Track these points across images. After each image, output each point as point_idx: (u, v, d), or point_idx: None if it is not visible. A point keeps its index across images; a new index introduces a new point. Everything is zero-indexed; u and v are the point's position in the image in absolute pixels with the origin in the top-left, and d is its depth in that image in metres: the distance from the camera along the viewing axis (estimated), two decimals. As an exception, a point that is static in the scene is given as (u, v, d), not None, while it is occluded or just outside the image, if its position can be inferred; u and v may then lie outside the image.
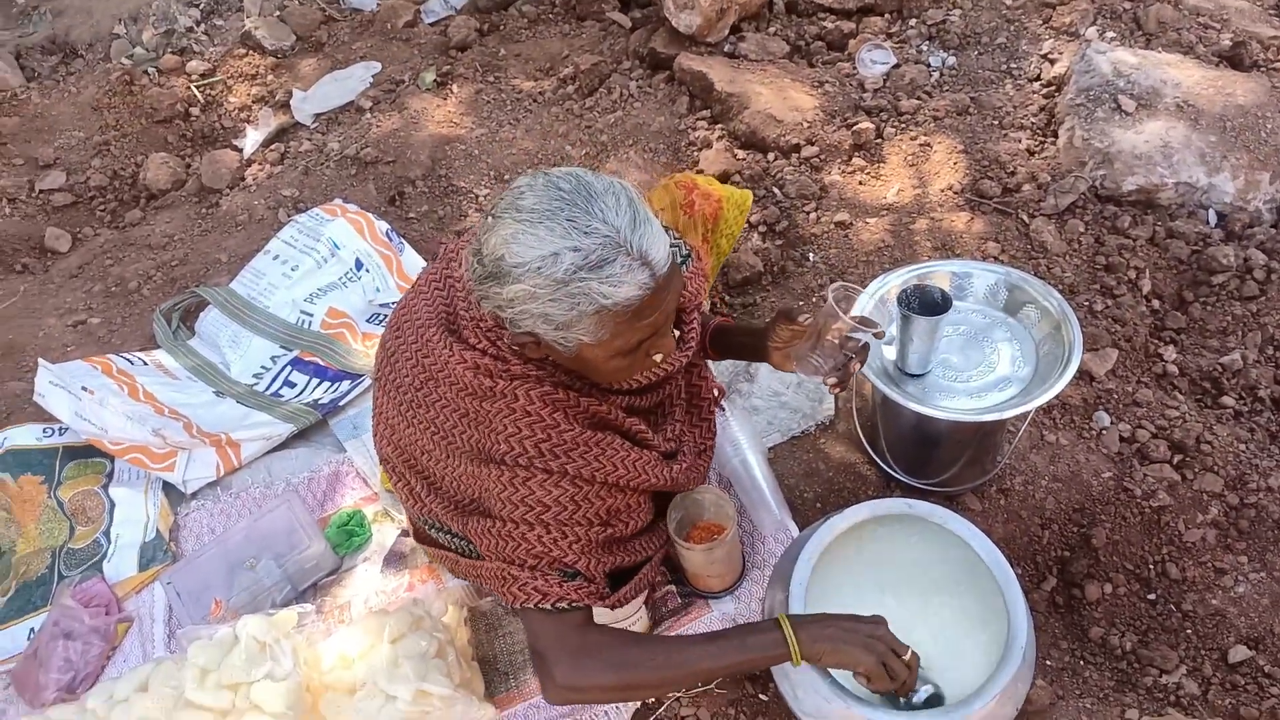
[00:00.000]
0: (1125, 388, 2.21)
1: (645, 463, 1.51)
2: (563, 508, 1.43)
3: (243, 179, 3.14)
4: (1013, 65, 3.03)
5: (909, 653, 1.44)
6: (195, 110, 3.39)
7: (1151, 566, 1.92)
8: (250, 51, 3.59)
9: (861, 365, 1.55)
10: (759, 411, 2.19)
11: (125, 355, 2.42)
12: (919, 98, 2.95)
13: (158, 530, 2.09)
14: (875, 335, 1.51)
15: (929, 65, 3.09)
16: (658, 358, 1.39)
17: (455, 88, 3.32)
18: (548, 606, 1.41)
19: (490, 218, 1.26)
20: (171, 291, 2.72)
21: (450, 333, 1.45)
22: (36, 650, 1.85)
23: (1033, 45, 3.06)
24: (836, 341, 1.52)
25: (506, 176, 2.96)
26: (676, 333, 1.56)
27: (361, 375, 2.37)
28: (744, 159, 2.83)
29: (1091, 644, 1.86)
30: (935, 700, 1.49)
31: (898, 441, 1.99)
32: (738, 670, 1.47)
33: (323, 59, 3.60)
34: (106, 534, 2.10)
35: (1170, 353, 2.29)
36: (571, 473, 1.43)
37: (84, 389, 2.17)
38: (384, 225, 2.69)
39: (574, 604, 1.42)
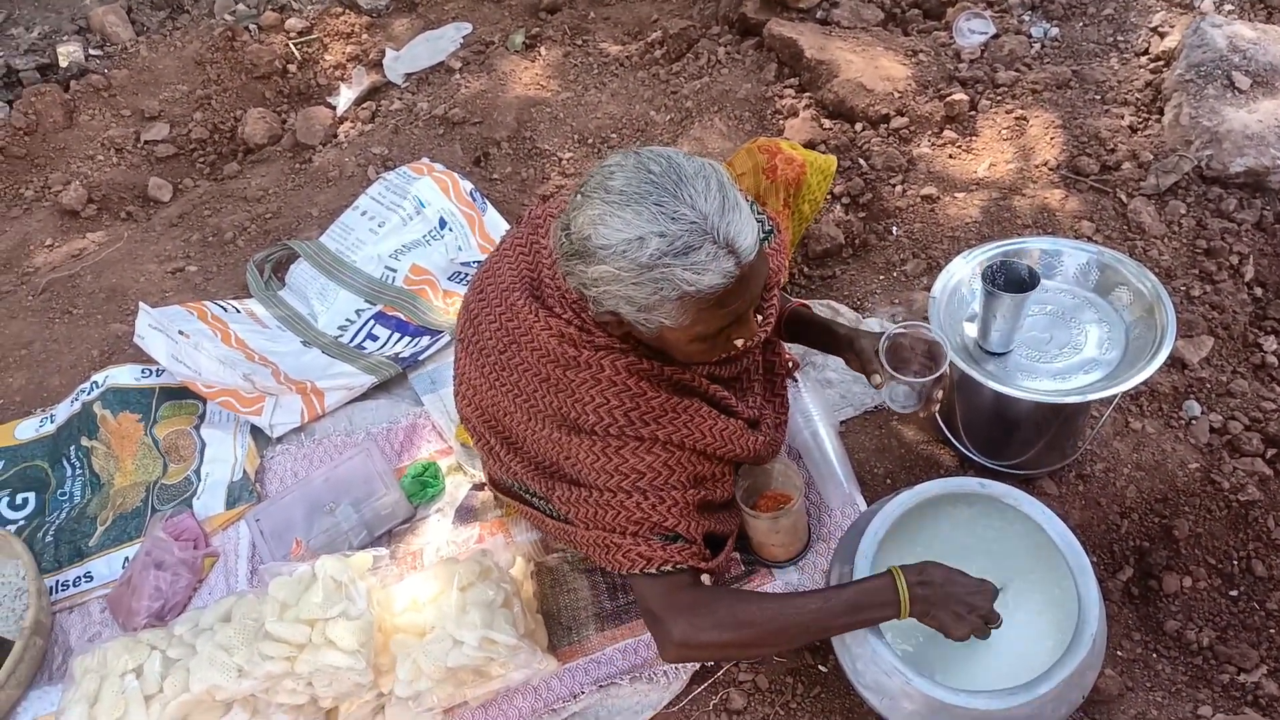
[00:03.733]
0: (1219, 377, 2.12)
1: (731, 431, 1.52)
2: (657, 473, 1.45)
3: (335, 136, 3.21)
4: (1119, 38, 2.90)
5: (999, 622, 1.46)
6: (292, 67, 3.48)
7: (1235, 562, 1.85)
8: (346, 10, 3.66)
9: (939, 398, 1.59)
10: (832, 385, 2.17)
11: (219, 302, 2.52)
12: (1018, 69, 2.86)
13: (244, 471, 2.18)
14: (931, 382, 1.55)
15: (1030, 36, 2.98)
16: (739, 342, 1.39)
17: (543, 50, 3.33)
18: (654, 570, 1.44)
19: (580, 195, 1.27)
20: (265, 243, 2.82)
21: (535, 299, 1.46)
22: (130, 578, 1.96)
23: (1142, 17, 2.93)
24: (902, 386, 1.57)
25: (590, 140, 2.97)
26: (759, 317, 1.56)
27: (441, 331, 2.42)
28: (830, 129, 2.78)
29: (1166, 637, 1.81)
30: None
31: (974, 421, 1.95)
32: (848, 626, 1.48)
33: (416, 19, 3.65)
34: (197, 472, 2.19)
35: (1271, 343, 2.19)
36: (662, 438, 1.45)
37: (180, 333, 2.27)
38: (468, 185, 2.72)
39: (678, 566, 1.45)
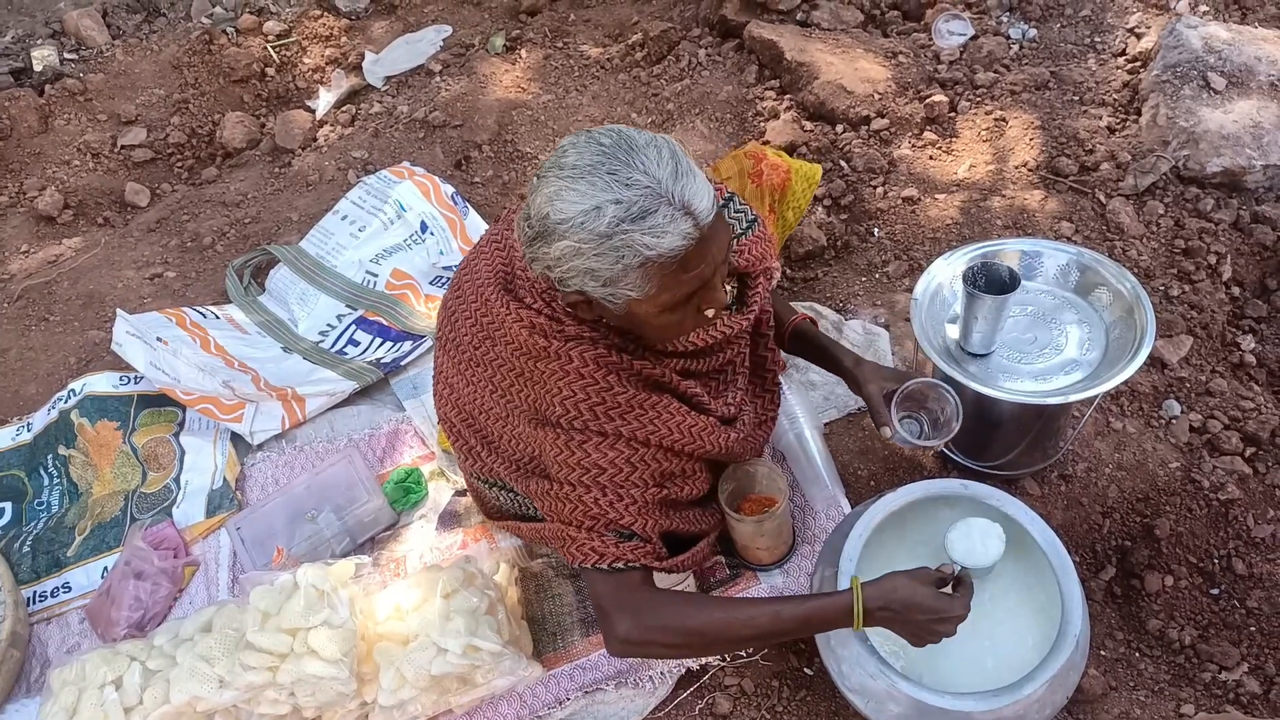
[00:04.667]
0: (1199, 376, 2.14)
1: (700, 428, 1.51)
2: (618, 469, 1.45)
3: (314, 139, 3.19)
4: (1097, 39, 2.92)
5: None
6: (271, 71, 3.45)
7: (1216, 561, 1.86)
8: (325, 13, 3.64)
9: (948, 439, 1.60)
10: (815, 387, 2.17)
11: (198, 308, 2.50)
12: (996, 71, 2.87)
13: (224, 479, 2.16)
14: (932, 446, 1.57)
15: (1008, 37, 2.99)
16: (709, 313, 1.38)
17: (523, 53, 3.32)
18: (604, 566, 1.45)
19: (536, 178, 1.28)
20: (244, 248, 2.79)
21: (507, 292, 1.47)
22: (109, 588, 1.93)
23: (1119, 18, 2.95)
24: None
25: (572, 143, 2.96)
26: (732, 290, 1.56)
27: (423, 336, 2.41)
28: (811, 130, 2.79)
29: (1149, 636, 1.82)
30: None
31: (957, 422, 1.96)
32: (799, 633, 1.50)
33: (395, 21, 3.63)
34: (177, 480, 2.17)
35: (1249, 342, 2.21)
36: (626, 434, 1.44)
37: (159, 339, 2.25)
38: (449, 189, 2.71)
39: (630, 564, 1.45)
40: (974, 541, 1.46)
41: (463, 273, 1.60)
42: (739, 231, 1.61)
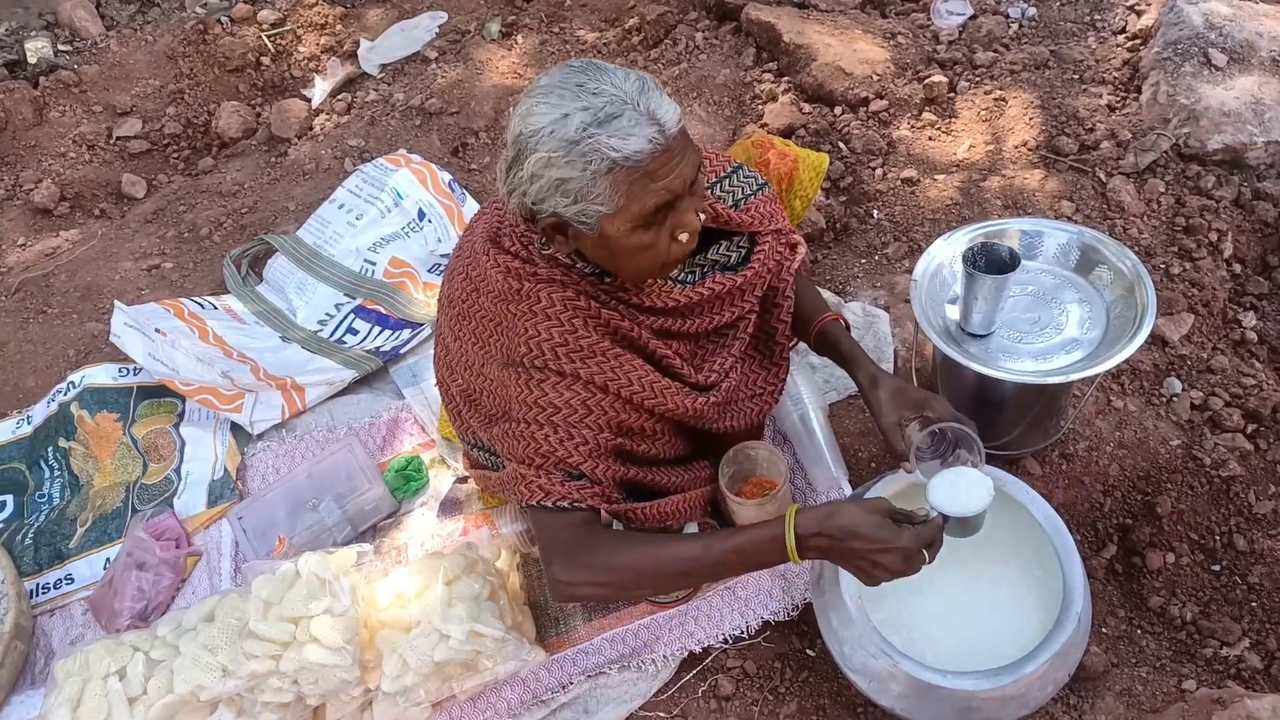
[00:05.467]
0: (1200, 354, 2.13)
1: (663, 386, 1.51)
2: (573, 410, 1.45)
3: (310, 128, 3.18)
4: (1096, 16, 2.90)
5: (927, 558, 1.34)
6: (266, 60, 3.43)
7: (1218, 537, 1.86)
8: (320, 0, 3.62)
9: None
10: (817, 369, 2.16)
11: (196, 299, 2.49)
12: (995, 50, 2.85)
13: (225, 469, 2.16)
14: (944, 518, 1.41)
15: (1008, 16, 2.98)
16: (683, 237, 1.38)
17: (520, 38, 3.31)
18: (549, 504, 1.44)
19: (512, 108, 1.34)
20: (241, 238, 2.79)
21: (492, 243, 1.50)
22: (112, 579, 1.94)
23: (1119, -5, 2.93)
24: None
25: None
26: (716, 255, 1.57)
27: (421, 324, 2.40)
28: (810, 113, 2.77)
29: (1150, 613, 1.82)
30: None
31: (957, 403, 1.92)
32: (736, 570, 1.47)
33: (390, 8, 3.61)
34: (177, 471, 2.17)
35: (1250, 319, 2.20)
36: (584, 377, 1.45)
37: (157, 331, 2.24)
38: (446, 176, 2.70)
39: (575, 504, 1.44)
40: (957, 490, 1.36)
41: (463, 237, 1.63)
42: (745, 195, 1.62)
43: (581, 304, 1.45)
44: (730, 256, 1.62)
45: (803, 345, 1.89)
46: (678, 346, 1.56)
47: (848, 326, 1.77)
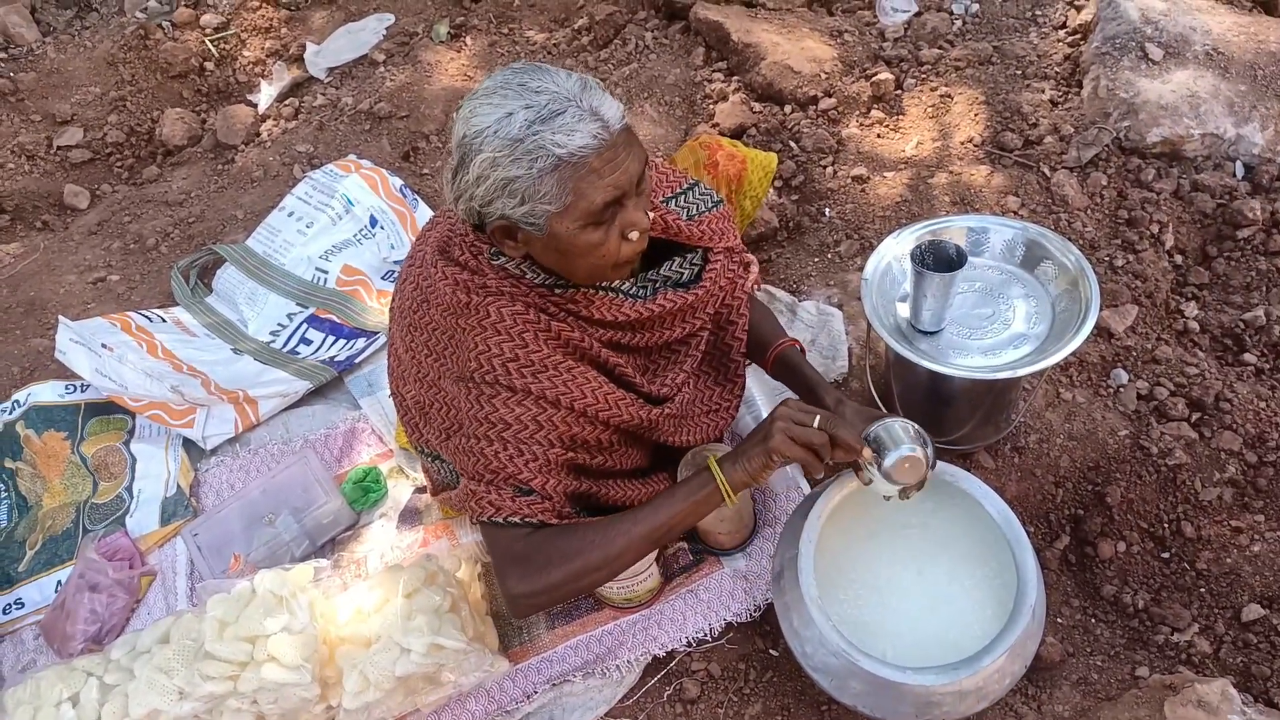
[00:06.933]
0: (1144, 345, 2.18)
1: (617, 397, 1.51)
2: (523, 426, 1.45)
3: (258, 134, 3.13)
4: (1037, 12, 2.95)
5: (815, 418, 1.41)
6: (210, 65, 3.38)
7: (1166, 525, 1.90)
8: (264, 3, 3.56)
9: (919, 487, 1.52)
10: (772, 369, 2.18)
11: (144, 312, 2.44)
12: (941, 47, 2.89)
13: (179, 486, 2.12)
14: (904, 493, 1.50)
15: (951, 12, 3.01)
16: (633, 235, 1.38)
17: (468, 40, 3.29)
18: (500, 520, 1.45)
19: (456, 112, 1.34)
20: (189, 248, 2.74)
21: (442, 255, 1.49)
22: (64, 602, 1.90)
23: (1059, -9, 2.98)
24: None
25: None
26: (669, 271, 1.57)
27: (376, 333, 2.38)
28: (761, 111, 2.79)
29: (1103, 602, 1.86)
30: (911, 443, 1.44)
31: (910, 399, 1.98)
32: (681, 524, 1.47)
33: (335, 10, 3.57)
34: (129, 489, 2.13)
35: (1192, 309, 2.26)
36: (535, 392, 1.44)
37: (104, 346, 2.20)
38: (398, 181, 2.68)
39: (525, 519, 1.44)
40: (898, 444, 1.41)
41: (417, 244, 1.62)
42: (701, 210, 1.62)
43: (531, 317, 1.44)
44: (683, 274, 1.61)
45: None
46: (629, 359, 1.56)
47: (803, 351, 1.78)
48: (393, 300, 1.65)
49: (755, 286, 1.77)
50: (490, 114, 1.28)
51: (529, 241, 1.37)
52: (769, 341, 1.76)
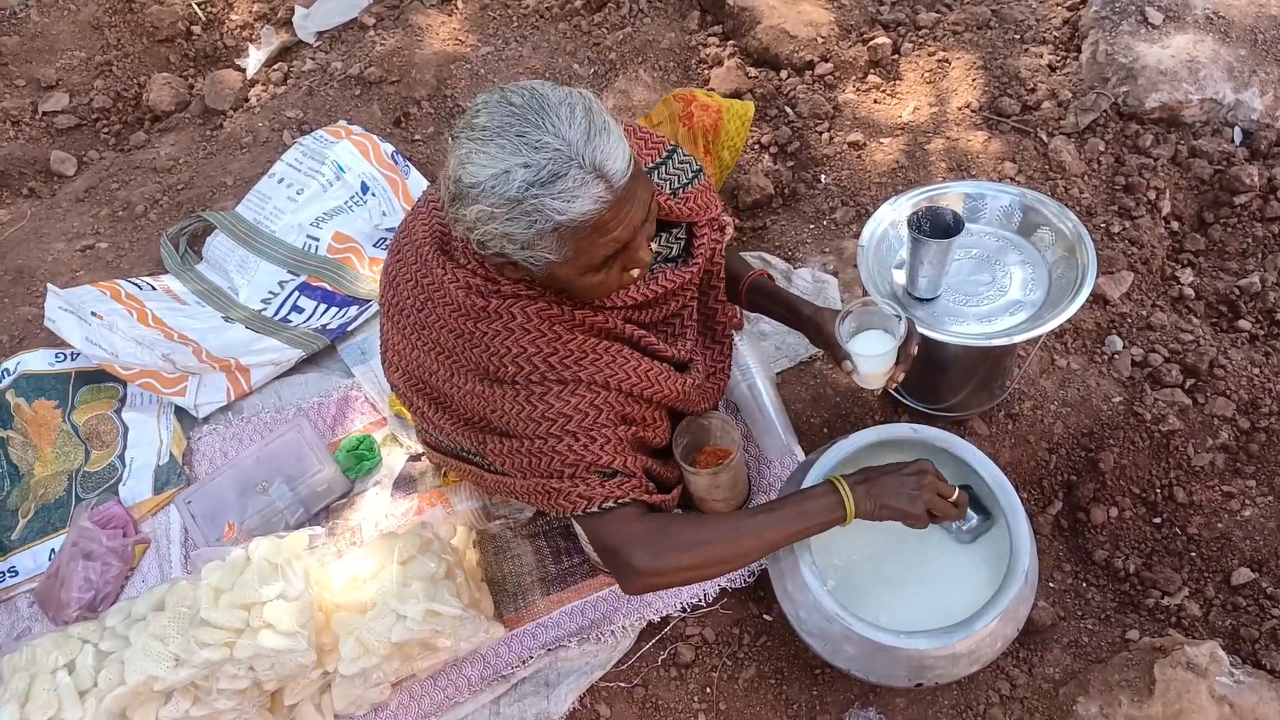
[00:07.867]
0: (1140, 311, 2.18)
1: (657, 372, 1.51)
2: (584, 414, 1.43)
3: (246, 100, 3.09)
4: (1036, -25, 2.91)
5: (955, 493, 1.50)
6: (197, 29, 3.32)
7: (1158, 490, 1.91)
8: (250, -34, 3.50)
9: (899, 375, 1.59)
10: (766, 337, 2.17)
11: (133, 280, 2.42)
12: (938, 10, 2.86)
13: (171, 454, 2.12)
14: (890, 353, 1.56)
15: (949, -25, 2.97)
16: (634, 273, 1.36)
17: (460, 3, 3.23)
18: (596, 509, 1.43)
19: (451, 139, 1.25)
20: (178, 215, 2.71)
21: (444, 253, 1.45)
22: (58, 570, 1.90)
23: (1058, -46, 2.94)
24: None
25: (513, 96, 2.90)
26: (678, 241, 1.55)
27: (368, 301, 2.37)
28: (756, 77, 2.76)
29: (1095, 566, 1.87)
30: (981, 510, 1.61)
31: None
32: (798, 536, 1.50)
33: (325, -27, 3.50)
34: (121, 458, 2.13)
35: (1187, 275, 2.25)
36: (585, 379, 1.43)
37: (93, 314, 2.18)
38: (389, 147, 2.65)
39: (620, 500, 1.43)
40: (869, 342, 1.55)
41: (401, 236, 1.57)
42: (683, 183, 1.59)
43: (554, 311, 1.41)
44: (671, 248, 1.60)
45: (752, 314, 1.90)
46: (649, 332, 1.55)
47: (771, 278, 1.79)
48: (384, 292, 1.60)
49: (731, 243, 1.76)
50: (486, 167, 1.19)
51: (528, 271, 1.33)
52: (738, 276, 1.77)
